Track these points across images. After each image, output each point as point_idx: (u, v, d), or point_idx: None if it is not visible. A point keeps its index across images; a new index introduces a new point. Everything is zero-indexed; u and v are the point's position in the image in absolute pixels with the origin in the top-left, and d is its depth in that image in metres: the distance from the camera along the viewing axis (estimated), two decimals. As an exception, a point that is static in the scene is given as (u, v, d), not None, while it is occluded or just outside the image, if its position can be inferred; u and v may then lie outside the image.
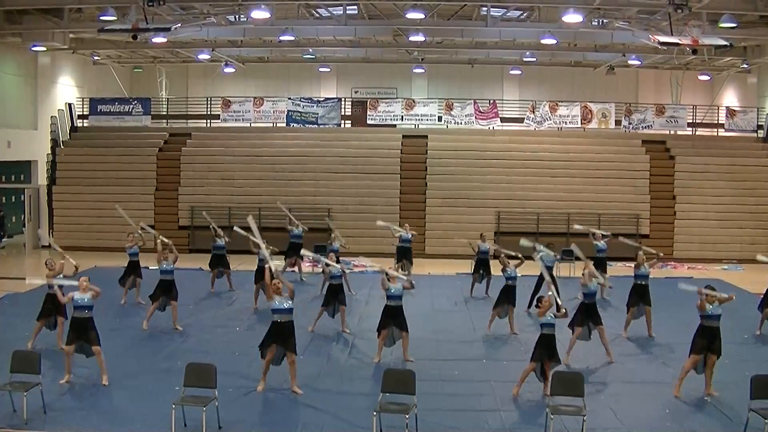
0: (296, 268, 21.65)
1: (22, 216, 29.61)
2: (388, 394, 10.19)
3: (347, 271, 20.17)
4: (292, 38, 26.56)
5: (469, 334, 15.77)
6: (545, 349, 11.68)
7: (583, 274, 13.99)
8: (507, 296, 15.84)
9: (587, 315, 13.74)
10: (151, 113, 31.66)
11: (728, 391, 11.78)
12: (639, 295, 15.66)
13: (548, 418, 9.94)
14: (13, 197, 30.54)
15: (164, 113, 33.22)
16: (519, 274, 16.16)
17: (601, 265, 18.69)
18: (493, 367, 13.41)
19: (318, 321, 15.70)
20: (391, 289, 13.42)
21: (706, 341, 11.75)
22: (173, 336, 15.23)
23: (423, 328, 15.54)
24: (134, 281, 18.07)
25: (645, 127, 30.56)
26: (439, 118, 30.89)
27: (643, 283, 15.69)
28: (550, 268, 12.66)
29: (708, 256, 26.78)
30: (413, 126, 31.00)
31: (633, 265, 16.22)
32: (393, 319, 13.45)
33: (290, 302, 11.74)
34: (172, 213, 28.16)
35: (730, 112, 30.69)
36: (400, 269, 21.21)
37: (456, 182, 28.45)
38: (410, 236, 21.62)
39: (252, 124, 31.15)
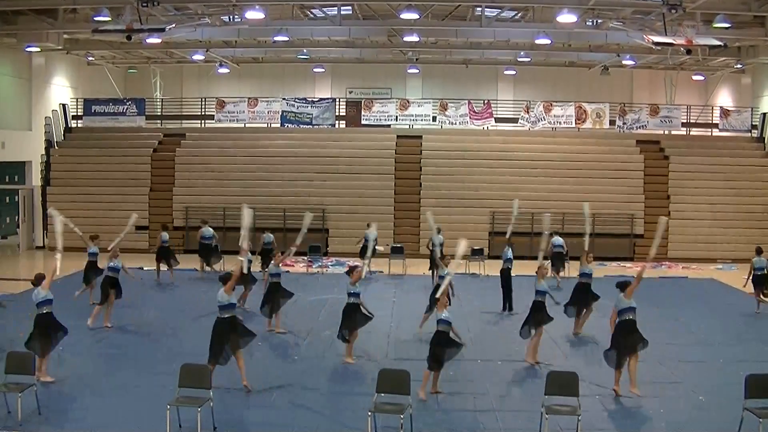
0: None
1: (16, 217, 29.53)
2: (383, 395, 10.20)
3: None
4: (287, 39, 26.55)
5: (463, 335, 15.68)
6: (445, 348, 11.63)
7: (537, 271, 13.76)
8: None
9: (536, 312, 13.52)
10: (146, 114, 31.60)
11: (722, 390, 11.81)
12: (583, 293, 15.54)
13: (543, 418, 9.96)
14: (7, 198, 30.44)
15: (158, 114, 33.16)
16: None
17: (559, 259, 21.18)
18: (487, 368, 13.42)
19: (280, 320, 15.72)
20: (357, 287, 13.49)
21: (621, 338, 11.68)
22: (168, 337, 15.21)
23: (417, 329, 15.52)
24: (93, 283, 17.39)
25: (639, 127, 30.63)
26: (434, 119, 30.92)
27: (587, 282, 15.62)
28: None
29: (702, 256, 26.84)
30: (408, 126, 31.01)
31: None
32: (357, 314, 13.48)
33: (233, 297, 11.78)
34: (167, 214, 28.10)
35: (724, 112, 30.77)
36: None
37: (450, 182, 28.46)
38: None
39: (246, 125, 31.12)
